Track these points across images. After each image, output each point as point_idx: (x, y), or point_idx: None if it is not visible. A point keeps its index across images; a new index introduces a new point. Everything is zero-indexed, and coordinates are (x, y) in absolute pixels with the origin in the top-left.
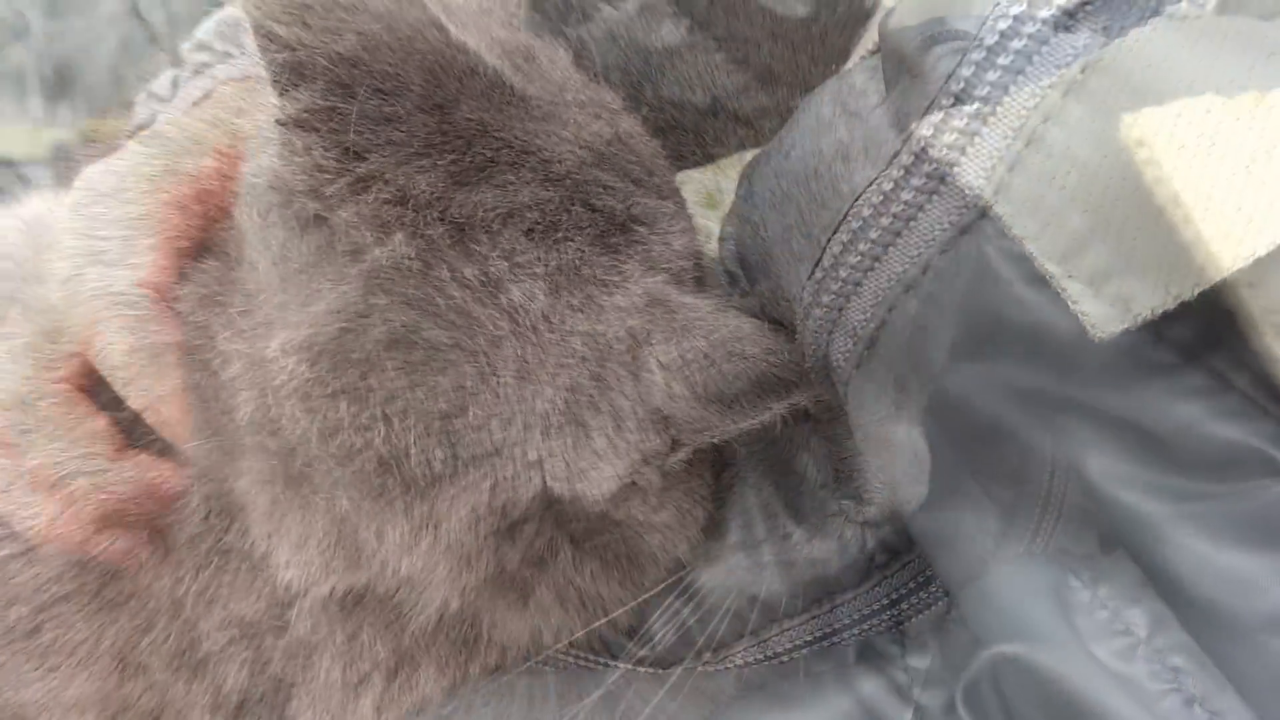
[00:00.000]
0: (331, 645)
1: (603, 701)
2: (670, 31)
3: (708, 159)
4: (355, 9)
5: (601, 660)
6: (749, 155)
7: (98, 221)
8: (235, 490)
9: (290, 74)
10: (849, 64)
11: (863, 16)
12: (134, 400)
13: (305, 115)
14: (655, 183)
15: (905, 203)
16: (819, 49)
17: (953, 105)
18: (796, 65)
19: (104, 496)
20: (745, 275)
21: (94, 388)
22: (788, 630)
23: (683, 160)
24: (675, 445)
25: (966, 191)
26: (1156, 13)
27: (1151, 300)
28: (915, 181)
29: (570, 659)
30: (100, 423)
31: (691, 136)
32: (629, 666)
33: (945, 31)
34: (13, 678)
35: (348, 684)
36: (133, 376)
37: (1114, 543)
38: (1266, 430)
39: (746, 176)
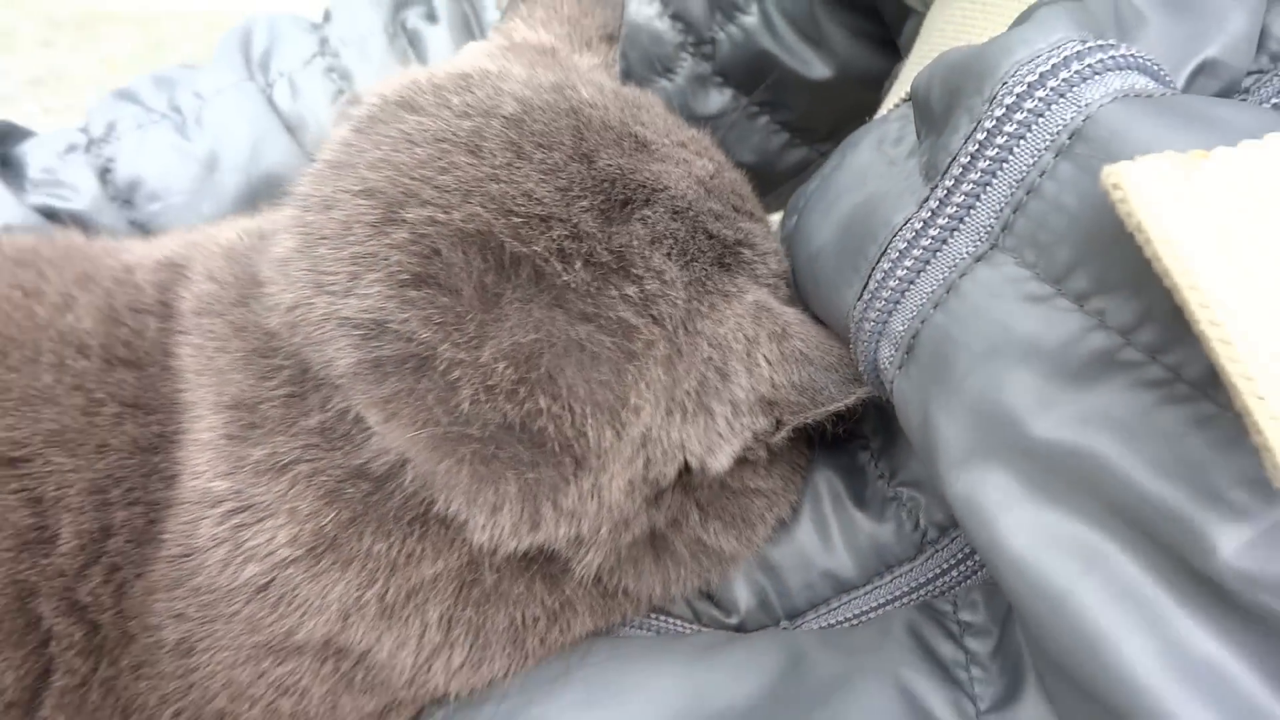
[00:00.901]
0: (511, 593)
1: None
2: (716, 100)
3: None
4: (506, 77)
5: (692, 625)
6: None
7: (324, 260)
8: (439, 470)
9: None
10: (882, 111)
11: (881, 75)
12: (355, 402)
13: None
14: (749, 209)
15: (933, 237)
16: (847, 104)
17: (969, 161)
18: (829, 119)
19: (324, 479)
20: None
21: (304, 393)
22: (854, 599)
23: None
24: (778, 425)
25: (980, 229)
26: (1124, 94)
27: (1121, 315)
28: (941, 221)
29: (667, 624)
30: (313, 420)
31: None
32: (716, 629)
33: (964, 100)
34: (244, 626)
35: (520, 625)
36: (358, 385)
37: None
38: (1205, 410)
39: (796, 212)
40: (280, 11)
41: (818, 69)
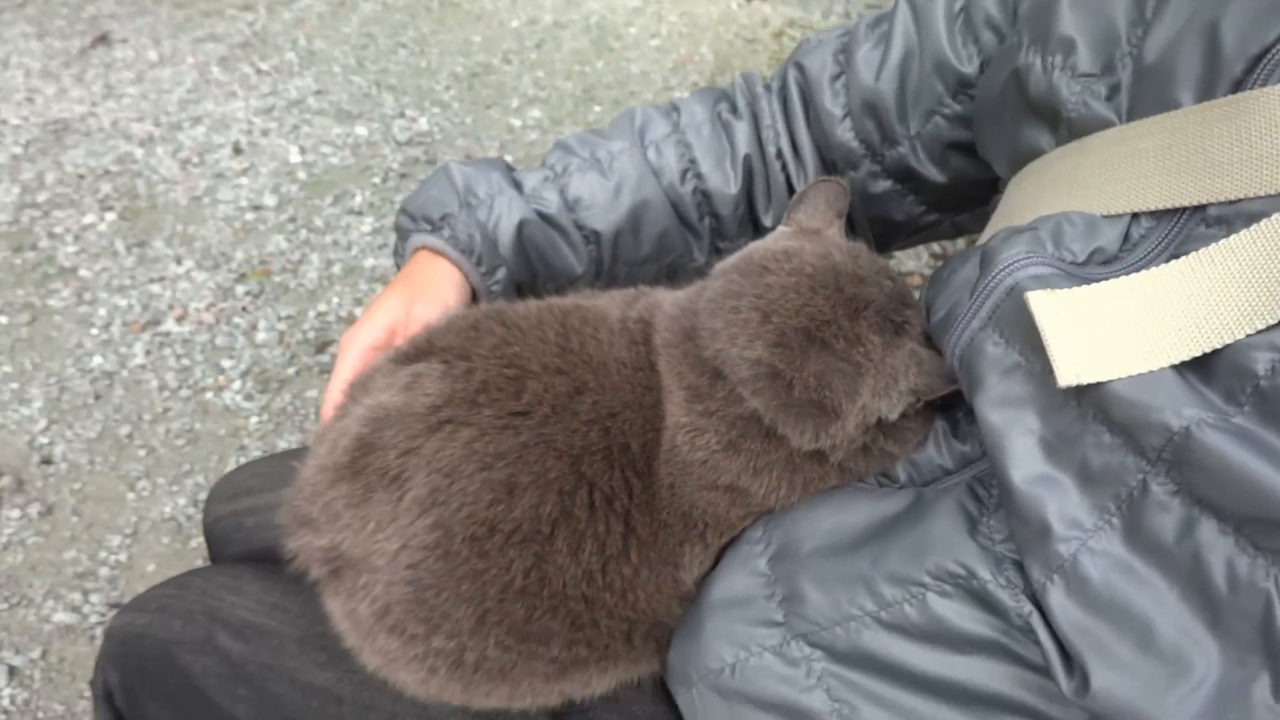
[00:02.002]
0: (804, 466)
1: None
2: (881, 185)
3: (899, 249)
4: (801, 252)
5: (887, 485)
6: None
7: (731, 329)
8: (779, 417)
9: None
10: (984, 236)
11: (981, 185)
12: (742, 389)
13: None
14: (909, 302)
15: (975, 310)
16: (961, 196)
17: (984, 290)
18: (951, 201)
19: (728, 416)
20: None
21: (719, 382)
22: (949, 478)
23: (887, 247)
24: (918, 399)
25: (984, 316)
26: (1036, 275)
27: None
28: (975, 312)
29: (864, 485)
30: (722, 393)
31: (892, 238)
32: (899, 487)
33: (989, 253)
34: (696, 476)
35: (806, 480)
36: (744, 385)
37: None
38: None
39: (931, 284)
40: (645, 106)
41: (939, 176)
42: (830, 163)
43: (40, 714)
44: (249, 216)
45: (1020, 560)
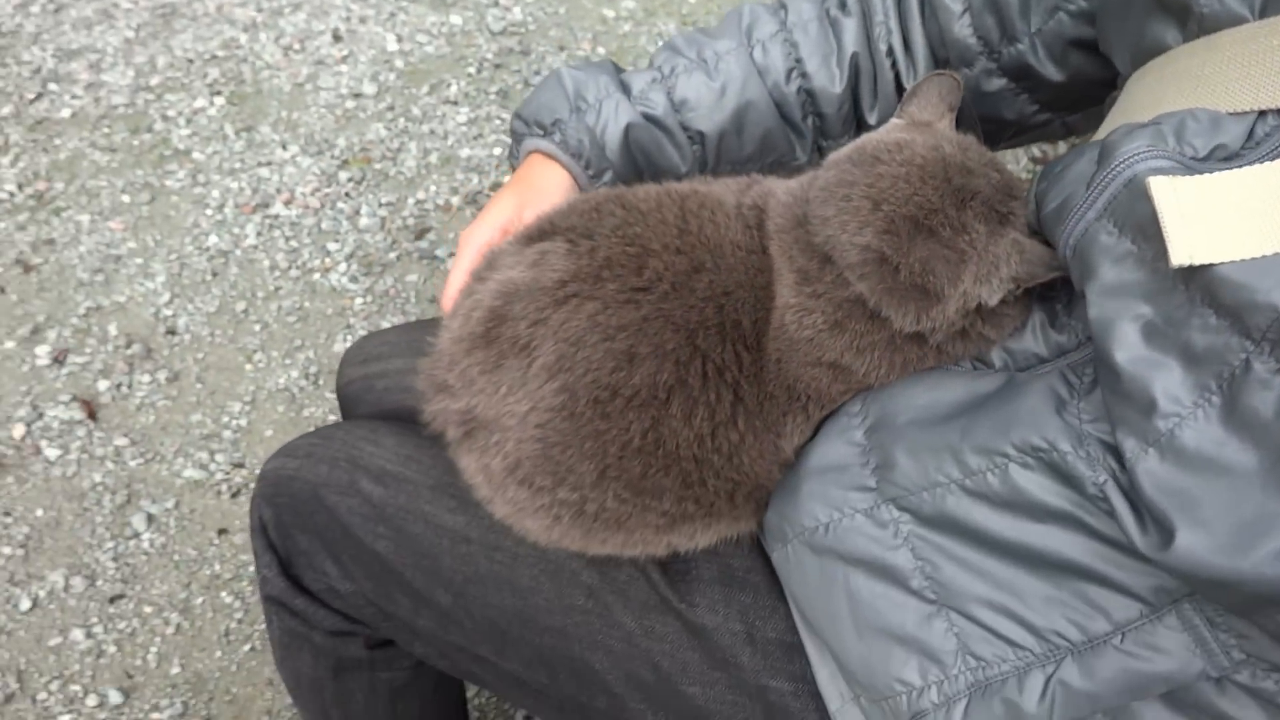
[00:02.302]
0: (905, 346)
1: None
2: (995, 84)
3: (1008, 148)
4: (912, 144)
5: (981, 369)
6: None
7: (842, 215)
8: (882, 300)
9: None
10: (1101, 132)
11: (1097, 84)
12: (849, 274)
13: None
14: (1015, 194)
15: (1091, 202)
16: (1076, 95)
17: (1103, 182)
18: (1065, 101)
19: (836, 299)
20: (1038, 221)
21: (827, 266)
22: (1044, 364)
23: (994, 145)
24: (1018, 286)
25: (1102, 206)
26: (1155, 169)
27: (1175, 257)
28: (1091, 202)
29: (971, 366)
30: (830, 276)
31: (1000, 136)
32: (994, 371)
33: (1107, 160)
34: (802, 352)
35: (905, 360)
36: (851, 270)
37: None
38: (1186, 297)
39: (1043, 179)
40: (755, 3)
41: (1057, 75)
42: (943, 60)
43: (176, 556)
44: (349, 104)
45: (1105, 440)
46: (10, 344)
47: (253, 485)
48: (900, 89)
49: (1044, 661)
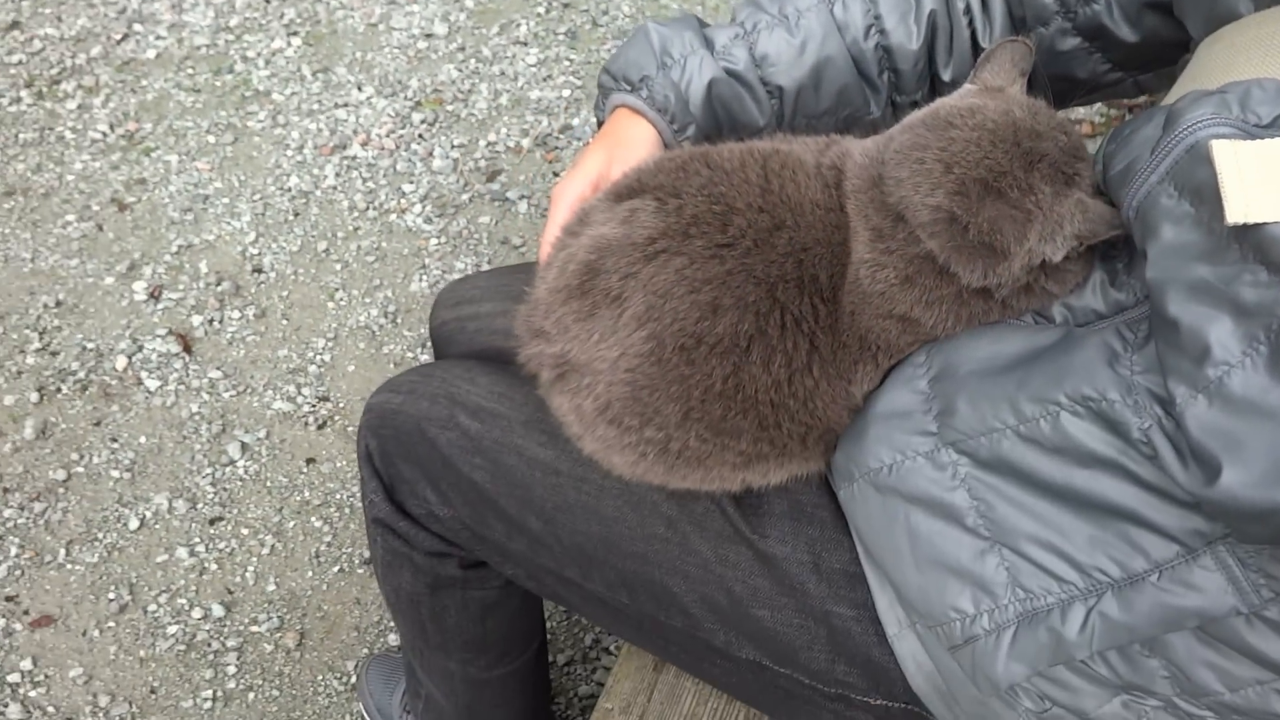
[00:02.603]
0: (971, 301)
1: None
2: (1070, 43)
3: (1080, 104)
4: (984, 109)
5: (1043, 321)
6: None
7: (916, 176)
8: (952, 259)
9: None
10: (1170, 97)
11: (1171, 44)
12: (922, 233)
13: None
14: (1081, 155)
15: (1154, 166)
16: (1149, 55)
17: (1168, 146)
18: (1137, 60)
19: (908, 254)
20: (1104, 181)
21: (900, 225)
22: (1101, 320)
23: (1065, 103)
24: (1081, 243)
25: (1165, 170)
26: (1219, 135)
27: (1230, 215)
28: (1155, 165)
29: (1025, 320)
30: (902, 234)
31: (1072, 95)
32: (1054, 326)
33: (1172, 127)
34: (874, 305)
35: (971, 314)
36: (924, 229)
37: None
38: (1252, 270)
39: (1111, 140)
40: None
41: (1131, 36)
42: (1020, 19)
43: (268, 483)
44: (421, 45)
45: (1153, 389)
46: (110, 280)
47: (336, 418)
48: (976, 47)
49: (1086, 595)
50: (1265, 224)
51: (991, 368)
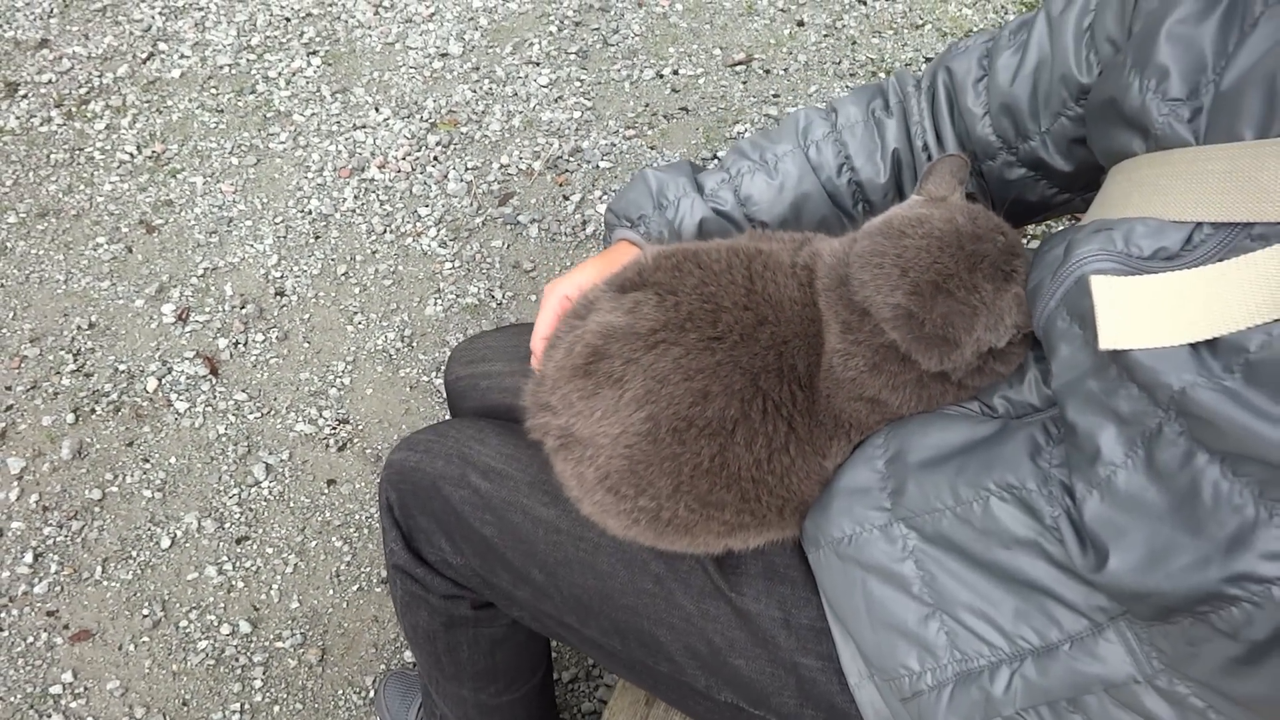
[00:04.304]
0: (931, 385)
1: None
2: (1017, 173)
3: (1038, 223)
4: (930, 219)
5: (988, 414)
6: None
7: (878, 280)
8: (911, 347)
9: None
10: (1087, 218)
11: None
12: (885, 326)
13: None
14: (1018, 252)
15: (1054, 292)
16: (1087, 180)
17: (1058, 278)
18: (1078, 183)
19: (873, 346)
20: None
21: (865, 318)
22: (1035, 414)
23: (1024, 223)
24: (1019, 332)
25: (1059, 299)
26: (1101, 270)
27: (1102, 342)
28: (1057, 285)
29: (968, 409)
30: (869, 327)
31: (1030, 215)
32: (996, 417)
33: (1072, 245)
34: (845, 390)
35: (930, 396)
36: (887, 324)
37: None
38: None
39: (1036, 254)
40: (810, 108)
41: (1065, 166)
42: (971, 153)
43: (291, 503)
44: (436, 64)
45: (1065, 481)
46: (140, 302)
47: (356, 441)
48: None
49: (1011, 660)
50: (1130, 350)
51: (938, 455)
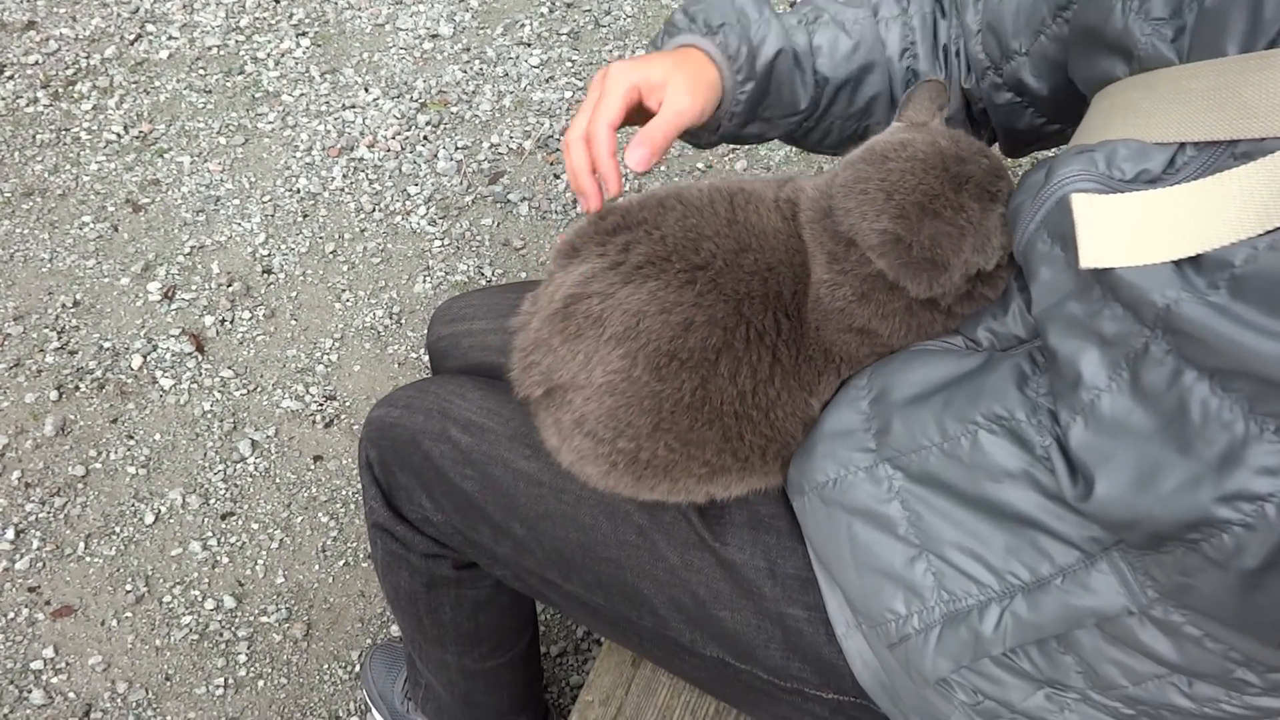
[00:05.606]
0: (919, 311)
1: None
2: (1004, 97)
3: (1031, 154)
4: (913, 143)
5: (960, 344)
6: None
7: (863, 206)
8: (899, 273)
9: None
10: (1070, 144)
11: (1083, 101)
12: (870, 253)
13: None
14: (1003, 174)
15: (1034, 214)
16: (1071, 107)
17: (1042, 197)
18: (1063, 112)
19: (862, 274)
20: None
21: (851, 247)
22: (1021, 345)
23: (1017, 154)
24: (1006, 251)
25: (1040, 217)
26: (1083, 189)
27: (1083, 261)
28: (1038, 207)
29: (953, 343)
30: (855, 256)
31: (1021, 146)
32: (980, 349)
33: (1051, 178)
34: (835, 320)
35: (919, 325)
36: (873, 250)
37: None
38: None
39: (1020, 180)
40: None
41: (1045, 91)
42: (969, 71)
43: (277, 479)
44: (427, 45)
45: (1052, 409)
46: (125, 280)
47: (343, 417)
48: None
49: (1001, 597)
50: (1114, 269)
51: (922, 391)
